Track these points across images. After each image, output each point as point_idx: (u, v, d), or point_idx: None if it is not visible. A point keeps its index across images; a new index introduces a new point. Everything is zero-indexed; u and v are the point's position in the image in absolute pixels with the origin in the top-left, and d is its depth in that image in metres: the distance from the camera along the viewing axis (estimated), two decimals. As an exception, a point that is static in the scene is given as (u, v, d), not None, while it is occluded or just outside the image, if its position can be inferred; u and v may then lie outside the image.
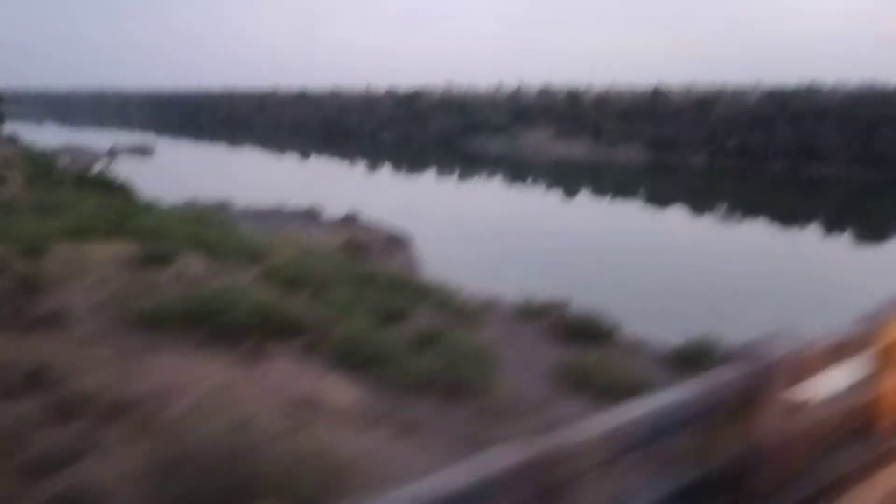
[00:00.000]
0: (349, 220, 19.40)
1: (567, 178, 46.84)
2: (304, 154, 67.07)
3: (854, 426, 2.57)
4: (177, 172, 39.84)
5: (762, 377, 1.97)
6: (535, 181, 47.01)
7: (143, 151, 50.42)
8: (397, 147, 69.26)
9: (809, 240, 27.15)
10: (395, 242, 16.95)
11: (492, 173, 51.33)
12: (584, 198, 39.05)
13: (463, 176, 51.14)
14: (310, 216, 19.93)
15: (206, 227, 14.44)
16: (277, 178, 41.87)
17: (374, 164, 57.88)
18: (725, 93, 58.90)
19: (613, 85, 68.54)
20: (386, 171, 53.85)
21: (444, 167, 55.46)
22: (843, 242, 27.09)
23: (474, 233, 24.82)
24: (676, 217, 32.49)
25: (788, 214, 32.49)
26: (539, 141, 60.09)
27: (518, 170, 51.34)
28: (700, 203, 35.97)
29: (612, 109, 58.42)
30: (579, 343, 8.99)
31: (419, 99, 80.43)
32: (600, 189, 41.78)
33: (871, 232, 28.99)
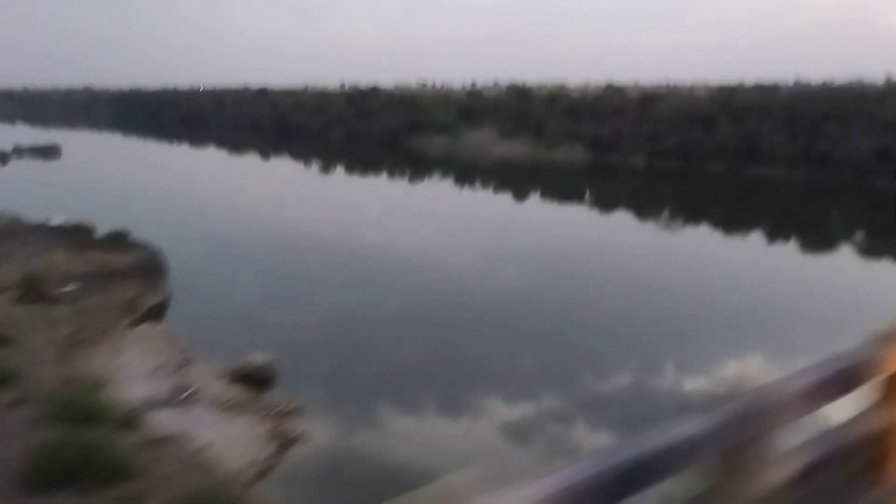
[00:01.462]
0: (113, 241, 16.03)
1: (507, 181, 43.60)
2: (265, 154, 64.35)
3: (859, 465, 2.35)
4: (50, 179, 36.71)
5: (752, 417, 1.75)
6: (472, 184, 43.60)
7: (46, 153, 47.00)
8: (343, 146, 66.12)
9: (737, 253, 23.81)
10: (127, 274, 13.58)
11: (427, 175, 48.08)
12: (507, 200, 35.84)
13: (394, 176, 47.91)
14: (74, 234, 16.56)
15: None
16: (185, 184, 38.64)
17: (308, 163, 55.10)
18: (678, 89, 55.89)
19: (588, 83, 65.14)
20: (315, 173, 50.51)
21: (381, 167, 52.41)
22: (767, 257, 23.74)
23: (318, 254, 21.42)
24: (607, 226, 29.14)
25: (721, 223, 29.47)
26: (482, 140, 56.67)
27: (455, 171, 48.04)
28: (629, 210, 32.94)
29: (559, 107, 54.99)
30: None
31: (372, 96, 77.13)
32: (526, 193, 38.45)
33: (807, 247, 25.76)
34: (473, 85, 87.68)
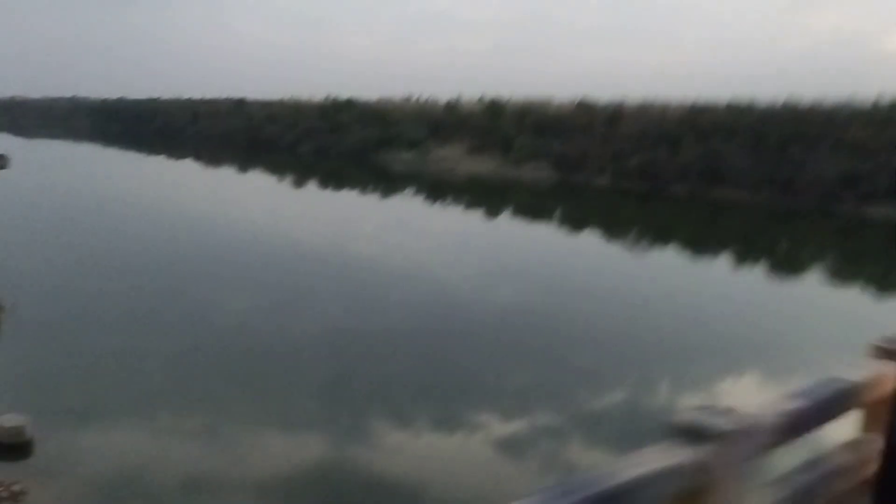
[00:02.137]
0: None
1: (475, 200, 42.41)
2: (242, 168, 63.25)
3: (844, 493, 2.28)
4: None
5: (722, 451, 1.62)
6: (442, 201, 42.27)
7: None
8: (312, 161, 64.76)
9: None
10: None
11: (397, 191, 46.66)
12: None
13: (366, 192, 46.55)
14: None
15: None
16: (129, 202, 37.11)
17: (281, 178, 54.01)
18: (652, 106, 54.79)
19: (573, 99, 63.91)
20: (287, 188, 49.14)
21: (350, 183, 51.15)
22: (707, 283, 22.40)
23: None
24: (574, 247, 27.86)
25: (686, 248, 28.55)
26: (449, 157, 55.42)
27: (425, 188, 46.72)
28: (596, 232, 31.86)
29: (528, 123, 53.77)
30: None
31: (346, 110, 75.87)
32: (497, 212, 37.16)
33: (767, 275, 24.68)
34: (458, 100, 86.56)
